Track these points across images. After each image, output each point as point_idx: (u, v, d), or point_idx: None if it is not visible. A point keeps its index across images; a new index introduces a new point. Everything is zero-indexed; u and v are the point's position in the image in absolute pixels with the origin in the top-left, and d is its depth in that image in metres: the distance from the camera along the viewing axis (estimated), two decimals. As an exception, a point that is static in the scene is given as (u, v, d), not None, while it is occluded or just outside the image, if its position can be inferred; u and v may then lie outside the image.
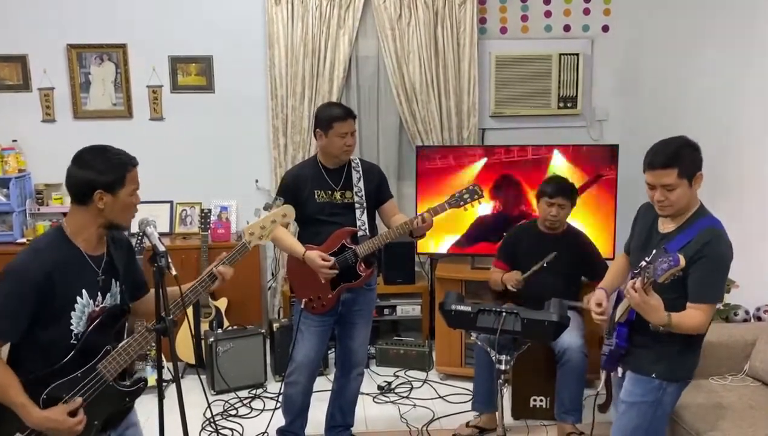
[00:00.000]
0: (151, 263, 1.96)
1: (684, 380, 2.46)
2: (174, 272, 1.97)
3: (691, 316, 2.29)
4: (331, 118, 3.00)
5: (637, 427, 2.44)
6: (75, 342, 1.99)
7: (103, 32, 4.60)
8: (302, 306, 3.10)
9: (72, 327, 1.98)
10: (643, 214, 2.55)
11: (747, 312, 3.42)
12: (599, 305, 2.51)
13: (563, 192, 3.44)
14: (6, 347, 1.99)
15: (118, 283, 2.12)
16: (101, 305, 2.06)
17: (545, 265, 3.34)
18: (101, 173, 1.96)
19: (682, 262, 2.11)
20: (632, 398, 2.45)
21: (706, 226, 2.31)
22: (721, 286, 2.37)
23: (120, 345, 2.05)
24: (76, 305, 1.98)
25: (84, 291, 2.00)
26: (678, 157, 2.28)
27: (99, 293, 2.05)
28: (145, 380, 2.19)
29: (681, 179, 2.27)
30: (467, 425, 3.51)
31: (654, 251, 2.32)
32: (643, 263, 2.28)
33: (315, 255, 2.96)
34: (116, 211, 2.00)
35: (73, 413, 1.95)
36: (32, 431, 1.95)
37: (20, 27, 4.56)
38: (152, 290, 2.25)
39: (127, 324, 2.32)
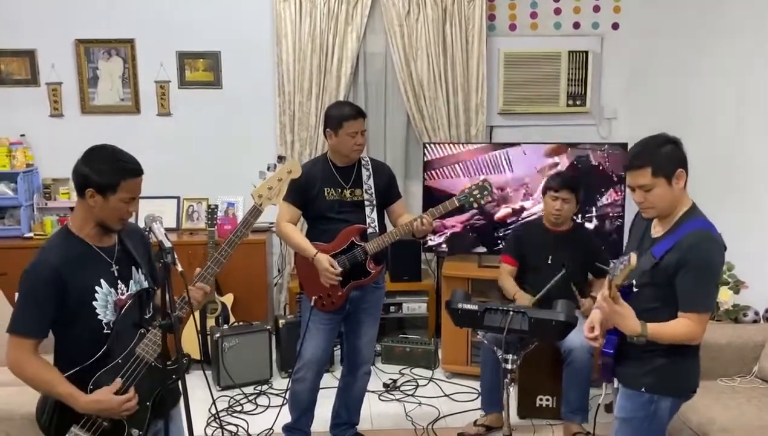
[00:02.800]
0: (157, 259, 1.97)
1: (679, 394, 2.32)
2: (180, 268, 1.97)
3: (678, 325, 2.18)
4: (342, 117, 2.99)
5: None
6: (108, 332, 2.03)
7: (112, 27, 4.60)
8: (312, 304, 3.09)
9: (100, 317, 2.02)
10: (639, 220, 2.46)
11: (756, 313, 3.38)
12: (591, 329, 2.37)
13: (567, 185, 3.42)
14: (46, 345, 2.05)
15: (140, 269, 2.15)
16: (127, 293, 2.09)
17: (554, 283, 3.30)
18: (96, 174, 1.98)
19: (633, 260, 2.07)
20: (624, 413, 2.34)
21: (691, 229, 2.17)
22: (710, 293, 2.24)
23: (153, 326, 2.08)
24: (96, 295, 2.02)
25: (102, 281, 2.03)
26: (651, 155, 2.19)
27: (120, 282, 2.08)
28: (188, 355, 2.18)
29: (656, 178, 2.17)
30: (474, 423, 3.49)
31: (643, 257, 2.24)
32: (615, 263, 2.19)
33: (324, 259, 2.96)
34: (104, 213, 2.01)
35: (119, 393, 2.00)
36: (87, 420, 2.00)
37: (28, 22, 4.57)
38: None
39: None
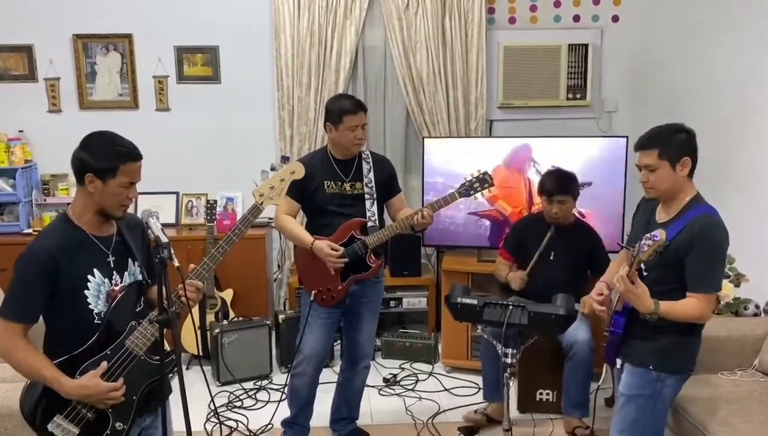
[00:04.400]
0: (154, 254, 1.95)
1: (683, 372, 2.43)
2: (176, 263, 1.96)
3: (687, 304, 2.29)
4: (342, 111, 2.97)
5: (636, 420, 2.41)
6: (99, 322, 2.02)
7: (109, 22, 4.58)
8: (311, 298, 3.08)
9: (91, 307, 2.01)
10: (644, 206, 2.56)
11: (757, 306, 3.37)
12: (600, 293, 2.52)
13: (561, 189, 3.38)
14: (38, 333, 2.04)
15: (136, 262, 2.13)
16: (120, 284, 2.07)
17: (542, 251, 3.35)
18: (95, 158, 1.98)
19: (662, 236, 2.15)
20: (630, 390, 2.43)
21: (698, 213, 2.31)
22: (718, 274, 2.35)
23: (145, 320, 2.06)
24: (89, 284, 2.00)
25: (96, 271, 2.02)
26: (661, 138, 2.32)
27: (115, 273, 2.07)
28: (174, 352, 2.17)
29: (661, 160, 2.30)
30: (476, 411, 3.50)
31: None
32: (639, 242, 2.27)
33: (324, 244, 2.95)
34: (104, 199, 2.00)
35: (105, 380, 1.99)
36: (72, 410, 1.99)
37: (26, 17, 4.55)
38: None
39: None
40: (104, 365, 2.00)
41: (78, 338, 2.00)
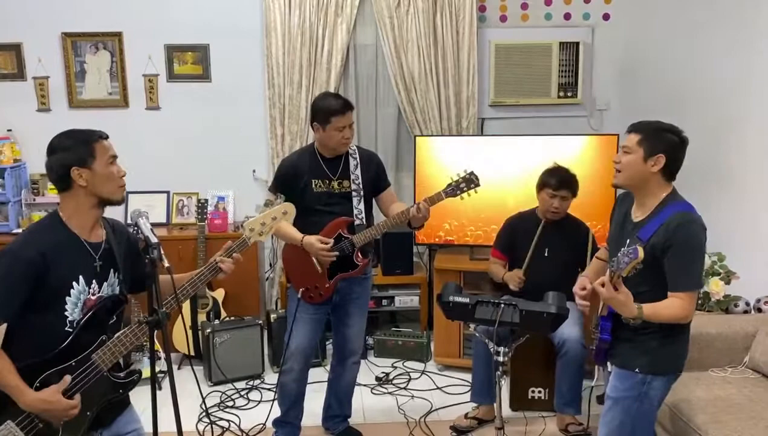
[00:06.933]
0: (143, 254, 1.94)
1: (670, 373, 2.40)
2: (166, 264, 1.95)
3: (669, 305, 2.26)
4: (329, 112, 2.96)
5: (623, 423, 2.39)
6: (70, 330, 1.99)
7: (99, 20, 4.55)
8: (299, 296, 3.07)
9: (67, 314, 1.98)
10: (620, 203, 2.55)
11: (747, 303, 3.39)
12: (583, 288, 2.48)
13: (567, 185, 3.40)
14: (1, 333, 1.99)
15: (117, 274, 2.11)
16: (98, 294, 2.05)
17: (536, 245, 3.36)
18: (69, 151, 2.00)
19: (641, 254, 2.13)
20: (617, 393, 2.41)
21: (674, 211, 2.28)
22: (697, 272, 2.31)
23: (116, 335, 2.04)
24: (72, 291, 1.98)
25: (81, 277, 2.00)
26: (648, 128, 2.34)
27: (95, 281, 2.04)
28: (140, 372, 2.17)
29: (638, 147, 2.31)
30: (465, 416, 3.49)
31: (628, 241, 2.30)
32: (618, 256, 2.25)
33: (314, 239, 2.94)
34: (99, 185, 2.00)
35: (66, 395, 1.96)
36: (25, 418, 1.95)
37: (15, 15, 4.51)
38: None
39: (123, 314, 2.31)
40: (67, 378, 1.95)
41: (45, 343, 1.96)
